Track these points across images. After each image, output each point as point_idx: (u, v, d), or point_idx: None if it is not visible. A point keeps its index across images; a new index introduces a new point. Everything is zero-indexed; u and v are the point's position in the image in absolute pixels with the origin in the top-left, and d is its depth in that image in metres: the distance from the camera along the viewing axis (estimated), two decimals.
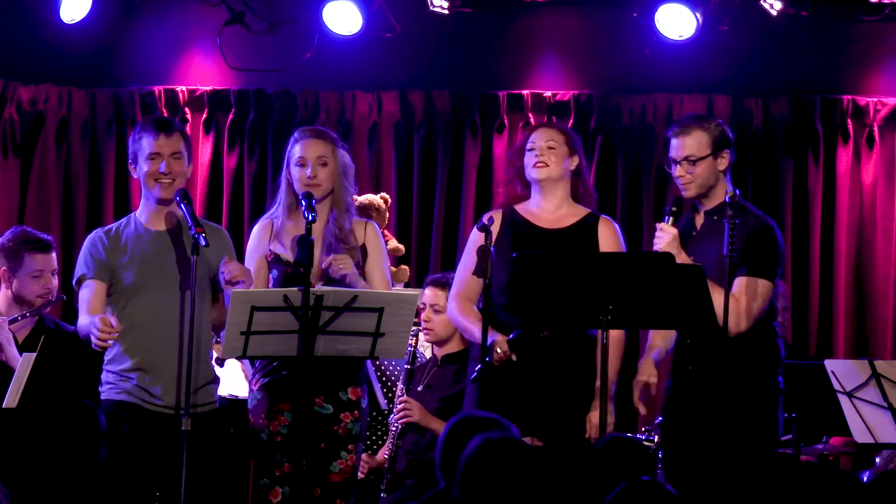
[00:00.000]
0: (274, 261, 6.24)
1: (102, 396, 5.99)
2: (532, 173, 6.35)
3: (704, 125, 6.29)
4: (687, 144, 6.25)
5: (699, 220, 6.30)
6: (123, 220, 6.18)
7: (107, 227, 6.18)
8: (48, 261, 6.81)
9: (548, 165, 6.33)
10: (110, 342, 5.79)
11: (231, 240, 6.26)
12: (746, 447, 6.11)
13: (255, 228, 6.35)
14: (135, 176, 6.15)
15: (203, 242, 5.81)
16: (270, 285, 6.20)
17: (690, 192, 6.27)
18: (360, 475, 6.83)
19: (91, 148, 8.91)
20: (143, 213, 6.14)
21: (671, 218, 6.18)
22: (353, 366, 6.18)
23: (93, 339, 5.78)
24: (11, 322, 6.73)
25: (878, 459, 7.46)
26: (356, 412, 6.17)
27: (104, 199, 8.84)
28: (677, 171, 6.26)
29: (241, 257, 6.27)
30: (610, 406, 6.38)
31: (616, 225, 6.49)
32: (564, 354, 6.31)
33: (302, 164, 6.21)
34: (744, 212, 6.18)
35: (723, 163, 6.29)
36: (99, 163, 8.88)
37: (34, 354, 6.22)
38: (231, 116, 8.91)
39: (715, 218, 6.25)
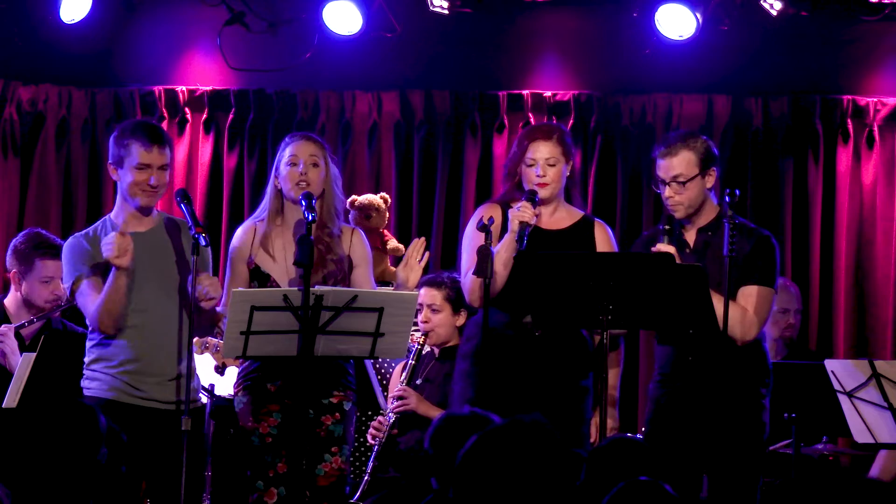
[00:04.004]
0: (254, 272, 6.22)
1: (89, 393, 5.99)
2: (536, 191, 6.37)
3: (690, 144, 6.28)
4: (674, 165, 6.25)
5: (690, 237, 6.30)
6: (99, 224, 6.12)
7: (83, 232, 6.12)
8: (59, 267, 6.76)
9: (549, 184, 6.36)
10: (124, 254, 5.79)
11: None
12: (734, 451, 6.13)
13: (239, 231, 6.33)
14: (114, 178, 6.09)
15: (203, 242, 5.82)
16: None
17: (679, 213, 6.27)
18: (370, 439, 6.85)
19: (91, 148, 8.90)
20: (120, 216, 6.09)
21: (666, 237, 6.19)
22: (336, 372, 6.18)
23: (106, 252, 5.80)
24: (20, 328, 6.73)
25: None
26: (337, 414, 6.16)
27: (104, 199, 8.83)
28: (666, 191, 6.27)
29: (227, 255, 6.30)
30: (612, 410, 6.40)
31: (609, 229, 6.53)
32: (557, 353, 6.32)
33: (293, 162, 6.21)
34: (741, 226, 6.18)
35: (710, 181, 6.29)
36: (99, 163, 8.87)
37: (34, 354, 6.23)
38: (231, 116, 8.90)
39: (710, 233, 6.26)
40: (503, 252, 6.22)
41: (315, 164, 6.21)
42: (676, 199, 6.25)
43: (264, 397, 6.13)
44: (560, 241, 6.39)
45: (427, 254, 6.23)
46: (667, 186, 6.26)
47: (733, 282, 6.09)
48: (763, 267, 6.23)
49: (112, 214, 6.13)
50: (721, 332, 5.99)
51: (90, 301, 5.96)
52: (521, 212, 6.22)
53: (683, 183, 6.23)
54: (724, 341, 6.03)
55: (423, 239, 6.25)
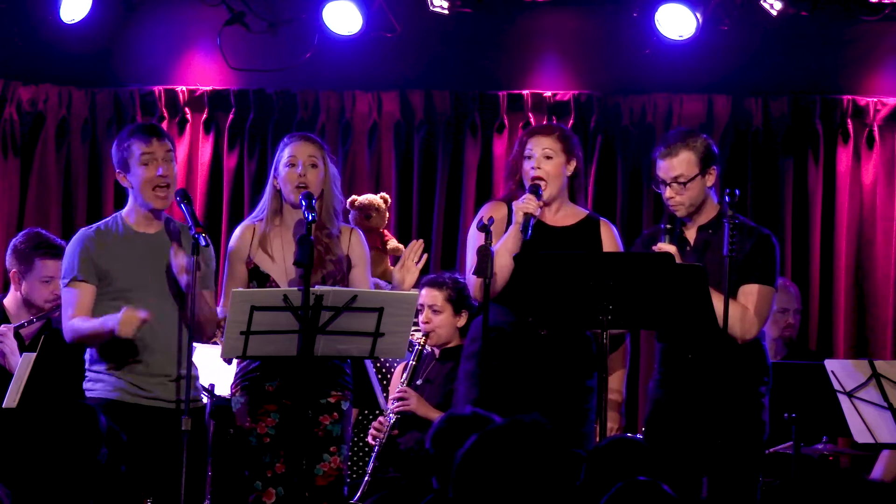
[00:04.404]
0: (253, 272, 6.22)
1: (91, 395, 6.00)
2: (539, 185, 6.36)
3: (690, 144, 6.27)
4: (675, 166, 6.25)
5: (691, 234, 6.31)
6: (110, 220, 6.15)
7: (94, 226, 6.15)
8: (59, 267, 6.78)
9: (546, 179, 6.35)
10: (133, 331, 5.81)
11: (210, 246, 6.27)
12: (734, 450, 6.13)
13: (237, 231, 6.33)
14: (124, 184, 6.10)
15: (203, 242, 5.82)
16: None
17: (680, 212, 6.27)
18: (371, 439, 6.86)
19: (91, 148, 8.90)
20: (132, 216, 6.11)
21: (667, 236, 6.19)
22: (334, 372, 6.18)
23: (116, 329, 5.80)
24: (19, 328, 6.73)
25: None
26: (335, 414, 6.16)
27: (104, 199, 8.84)
28: (667, 192, 6.26)
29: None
30: (614, 414, 6.39)
31: (615, 228, 6.53)
32: (561, 353, 6.32)
33: (292, 163, 6.20)
34: (741, 225, 6.17)
35: (710, 179, 6.29)
36: (99, 163, 8.88)
37: (34, 354, 6.23)
38: (231, 116, 8.91)
39: (710, 231, 6.26)
40: (508, 242, 6.22)
41: (314, 165, 6.21)
42: (677, 199, 6.24)
43: (262, 397, 6.12)
44: (566, 237, 6.38)
45: (425, 256, 6.23)
46: (667, 187, 6.26)
47: (733, 281, 6.09)
48: (763, 265, 6.24)
49: (124, 212, 6.15)
50: (721, 329, 5.99)
51: (70, 310, 6.01)
52: (526, 203, 6.22)
53: (684, 184, 6.23)
54: (723, 339, 6.04)
55: (420, 241, 6.26)
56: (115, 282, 6.00)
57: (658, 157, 6.30)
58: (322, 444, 6.12)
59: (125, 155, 6.04)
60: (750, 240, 6.23)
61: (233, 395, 6.23)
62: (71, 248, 6.08)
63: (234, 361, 6.89)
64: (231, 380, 7.10)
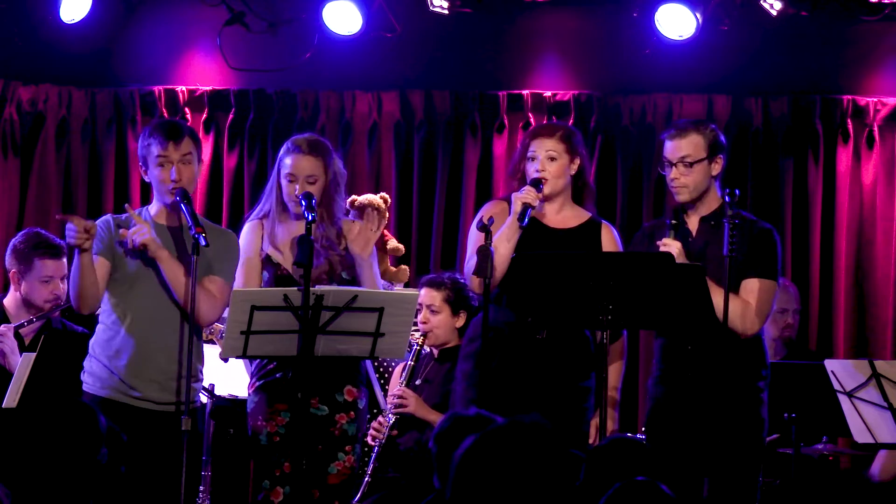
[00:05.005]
0: (266, 261, 6.25)
1: (87, 389, 6.01)
2: (541, 179, 6.37)
3: (701, 129, 6.31)
4: (683, 146, 6.26)
5: (693, 225, 6.31)
6: (135, 211, 6.19)
7: (119, 214, 6.20)
8: (58, 267, 6.81)
9: (550, 179, 6.35)
10: (84, 238, 5.82)
11: (238, 243, 6.27)
12: (734, 448, 6.13)
13: (245, 228, 6.36)
14: (146, 179, 6.17)
15: (203, 242, 5.82)
16: (263, 286, 6.23)
17: (683, 196, 6.27)
18: (370, 440, 6.87)
19: (91, 148, 8.90)
20: (154, 208, 6.17)
21: (672, 231, 6.20)
22: (350, 367, 6.19)
23: (69, 239, 5.87)
24: (19, 328, 6.74)
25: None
26: (352, 413, 6.17)
27: (104, 199, 8.83)
28: (672, 172, 6.27)
29: None
30: (612, 412, 6.39)
31: (615, 231, 6.53)
32: (559, 354, 6.32)
33: (291, 180, 6.23)
34: (742, 218, 6.18)
35: (716, 168, 6.30)
36: (99, 163, 8.88)
37: (34, 354, 6.23)
38: (231, 116, 8.91)
39: (712, 223, 6.26)
40: (506, 231, 6.24)
41: (313, 182, 6.22)
42: (682, 180, 6.25)
43: (275, 395, 6.13)
44: (566, 240, 6.39)
45: (384, 216, 6.26)
46: (673, 167, 6.26)
47: (734, 276, 6.10)
48: (764, 260, 6.24)
49: (150, 206, 6.20)
50: (721, 324, 6.00)
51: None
52: (525, 194, 6.25)
53: (690, 164, 6.24)
54: (722, 333, 6.04)
55: (376, 202, 6.28)
56: (125, 267, 6.02)
57: (667, 137, 6.32)
58: (337, 443, 6.14)
59: (145, 153, 6.12)
60: (751, 234, 6.24)
61: (250, 392, 6.25)
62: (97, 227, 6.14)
63: (247, 361, 6.92)
64: (230, 380, 7.12)
